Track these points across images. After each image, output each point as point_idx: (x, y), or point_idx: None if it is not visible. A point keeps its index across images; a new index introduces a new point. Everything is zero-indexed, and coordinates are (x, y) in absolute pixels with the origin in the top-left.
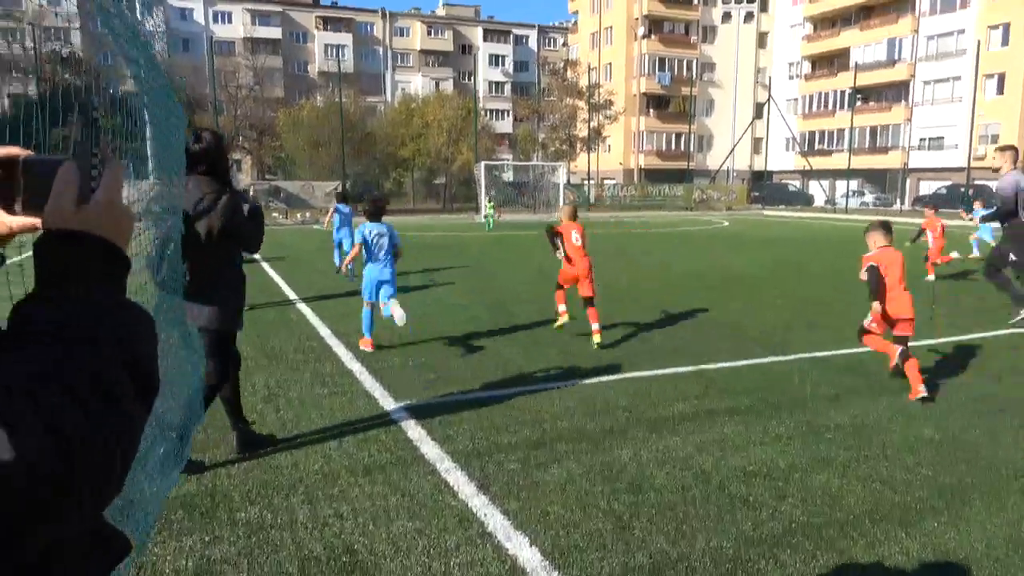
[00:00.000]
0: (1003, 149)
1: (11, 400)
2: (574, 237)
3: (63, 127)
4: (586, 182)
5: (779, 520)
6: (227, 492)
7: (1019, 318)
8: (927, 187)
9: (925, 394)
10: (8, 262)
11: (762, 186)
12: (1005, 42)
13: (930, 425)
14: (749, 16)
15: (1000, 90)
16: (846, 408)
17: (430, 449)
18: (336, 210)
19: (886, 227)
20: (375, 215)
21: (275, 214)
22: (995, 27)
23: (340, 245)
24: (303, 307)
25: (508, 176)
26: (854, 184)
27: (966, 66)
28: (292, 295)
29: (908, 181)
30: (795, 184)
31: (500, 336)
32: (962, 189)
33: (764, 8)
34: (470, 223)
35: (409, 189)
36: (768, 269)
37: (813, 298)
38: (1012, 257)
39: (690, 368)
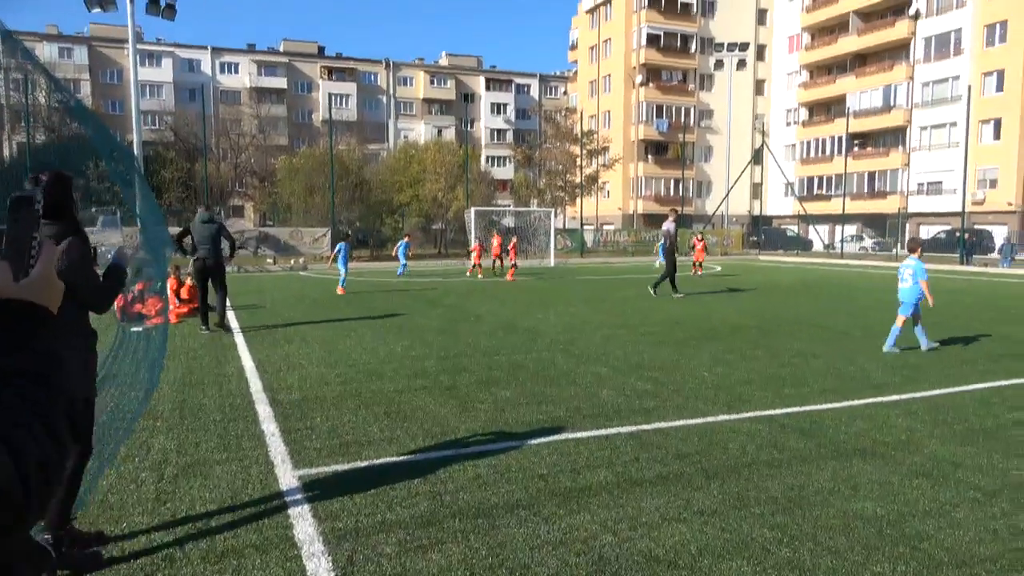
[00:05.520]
0: None
1: None
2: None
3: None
4: (580, 228)
5: None
6: None
7: None
8: (926, 231)
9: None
10: None
11: (760, 231)
12: (1000, 88)
13: (874, 498)
14: (741, 64)
15: (997, 135)
16: (785, 476)
17: (304, 528)
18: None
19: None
20: None
21: (268, 260)
22: (989, 74)
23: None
24: (246, 359)
25: (508, 222)
26: (853, 229)
27: (962, 112)
28: (242, 345)
29: (907, 225)
30: (793, 229)
31: (438, 391)
32: (957, 234)
33: (761, 57)
34: (462, 267)
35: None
36: (751, 317)
37: (790, 350)
38: None
39: (630, 428)
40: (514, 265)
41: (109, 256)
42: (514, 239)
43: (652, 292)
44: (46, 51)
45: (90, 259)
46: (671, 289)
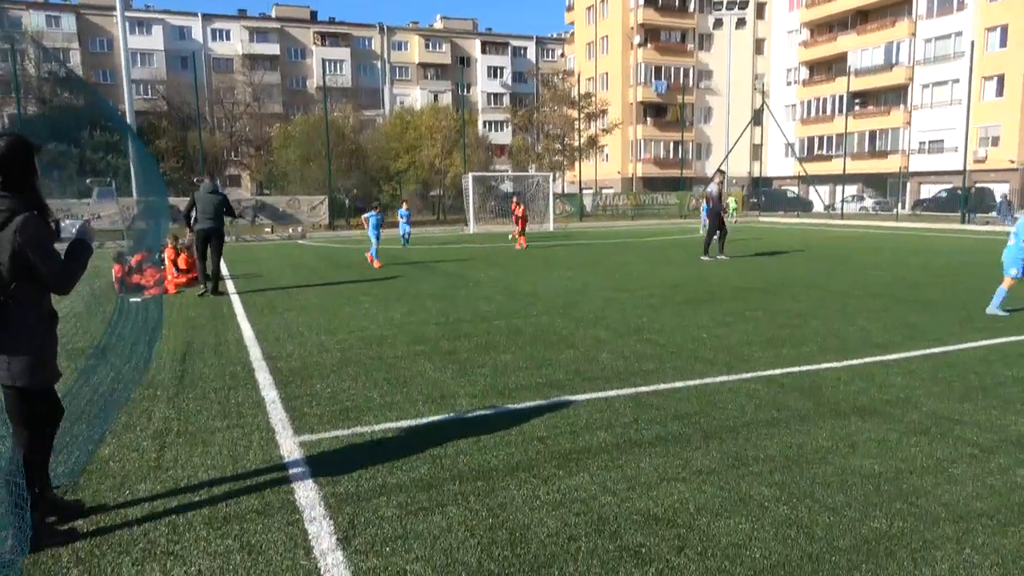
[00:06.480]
0: None
1: None
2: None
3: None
4: (579, 192)
5: None
6: (55, 554)
7: None
8: (927, 191)
9: None
10: None
11: (760, 192)
12: (1003, 43)
13: (872, 456)
14: (741, 22)
15: (1000, 92)
16: (784, 435)
17: (305, 493)
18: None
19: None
20: None
21: (266, 229)
22: (992, 29)
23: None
24: (246, 327)
25: (507, 187)
26: (853, 189)
27: (964, 69)
28: (241, 313)
29: (908, 185)
30: (794, 190)
31: (438, 357)
32: (959, 192)
33: (760, 15)
34: (460, 234)
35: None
36: (751, 279)
37: (790, 311)
38: None
39: (629, 391)
40: (523, 233)
41: (73, 231)
42: (522, 206)
43: (705, 258)
44: (33, 20)
45: (48, 237)
46: (718, 249)
